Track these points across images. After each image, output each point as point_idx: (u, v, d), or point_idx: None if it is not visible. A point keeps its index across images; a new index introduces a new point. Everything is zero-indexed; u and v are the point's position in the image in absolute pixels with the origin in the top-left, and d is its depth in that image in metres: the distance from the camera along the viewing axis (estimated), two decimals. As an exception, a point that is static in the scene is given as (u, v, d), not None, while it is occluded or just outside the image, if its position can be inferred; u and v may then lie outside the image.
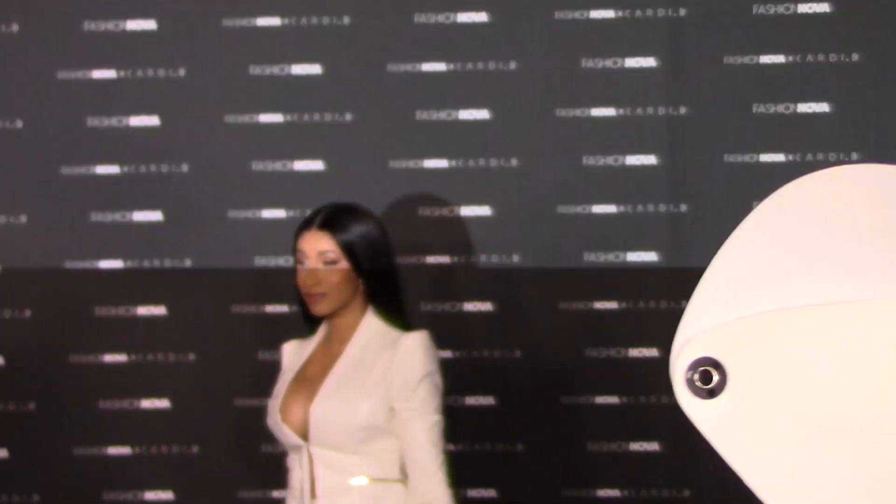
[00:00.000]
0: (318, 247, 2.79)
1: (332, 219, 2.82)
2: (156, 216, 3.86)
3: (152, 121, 3.85)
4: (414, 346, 2.81)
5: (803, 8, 3.77)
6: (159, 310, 3.87)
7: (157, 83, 3.84)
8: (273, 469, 3.27)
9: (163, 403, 3.88)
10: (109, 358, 3.87)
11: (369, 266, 2.81)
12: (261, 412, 3.18)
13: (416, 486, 2.77)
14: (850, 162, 3.78)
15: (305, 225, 2.85)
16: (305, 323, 2.94)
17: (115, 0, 3.84)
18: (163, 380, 3.88)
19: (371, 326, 2.83)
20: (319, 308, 2.79)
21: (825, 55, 3.77)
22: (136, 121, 3.85)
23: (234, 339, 3.84)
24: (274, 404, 2.82)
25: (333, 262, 2.78)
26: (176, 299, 3.86)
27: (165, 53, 3.83)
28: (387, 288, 2.88)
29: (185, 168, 3.85)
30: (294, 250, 2.88)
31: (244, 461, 3.79)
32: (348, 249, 2.78)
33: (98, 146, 3.84)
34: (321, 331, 2.90)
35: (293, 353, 2.91)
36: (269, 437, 3.04)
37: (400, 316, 2.89)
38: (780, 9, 3.77)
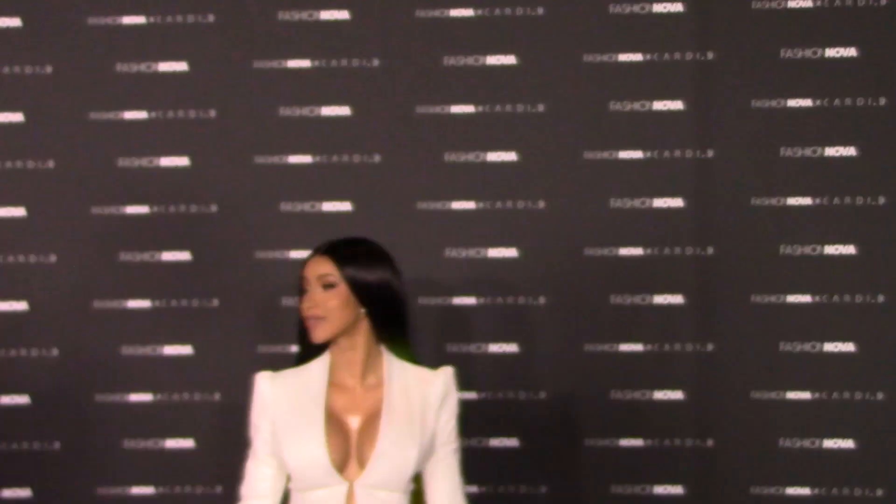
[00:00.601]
0: (318, 271, 2.79)
1: (336, 246, 2.83)
2: (184, 256, 3.89)
3: (182, 161, 3.90)
4: (451, 384, 2.86)
5: (830, 52, 3.81)
6: (186, 349, 3.89)
7: (188, 124, 3.90)
8: None
9: (188, 443, 3.90)
10: (135, 398, 3.89)
11: (372, 295, 2.81)
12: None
13: None
14: (877, 205, 3.80)
15: (311, 254, 2.84)
16: (301, 353, 2.90)
17: (148, 42, 3.89)
18: (188, 420, 3.89)
19: (393, 364, 2.84)
20: (318, 333, 2.77)
21: (852, 99, 3.81)
22: (167, 161, 3.90)
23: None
24: (313, 448, 2.74)
25: (332, 286, 2.79)
26: (203, 339, 3.88)
27: (196, 95, 3.89)
28: (394, 320, 2.87)
29: (213, 208, 3.89)
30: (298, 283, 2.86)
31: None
32: (347, 274, 2.79)
33: (128, 186, 3.90)
34: (321, 367, 2.86)
35: (288, 387, 2.82)
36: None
37: (408, 350, 2.90)
38: (808, 53, 3.81)
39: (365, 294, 2.81)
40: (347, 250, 2.82)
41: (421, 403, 2.81)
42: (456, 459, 2.88)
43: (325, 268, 2.79)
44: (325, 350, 2.86)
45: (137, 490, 3.90)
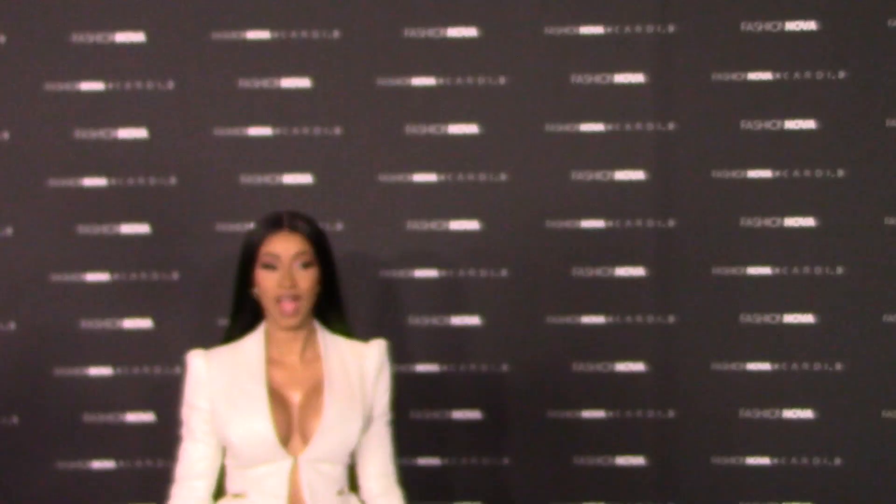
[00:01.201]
0: (294, 249, 2.75)
1: (301, 223, 2.79)
2: (143, 229, 3.87)
3: (140, 133, 3.87)
4: (385, 356, 2.87)
5: (790, 26, 3.83)
6: (145, 322, 3.87)
7: (146, 96, 3.86)
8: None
9: (148, 417, 3.89)
10: (94, 371, 3.87)
11: (330, 272, 2.82)
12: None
13: (380, 485, 2.86)
14: (837, 178, 3.84)
15: (270, 229, 2.78)
16: (235, 330, 2.87)
17: (104, 12, 3.85)
18: (148, 394, 3.89)
19: (327, 338, 2.84)
20: (295, 312, 2.74)
21: (812, 72, 3.83)
22: (125, 133, 3.87)
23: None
24: (258, 423, 2.72)
25: (308, 266, 2.78)
26: (163, 312, 3.86)
27: (154, 66, 3.86)
28: (338, 294, 2.87)
29: (173, 181, 3.87)
30: (256, 255, 2.78)
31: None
32: (321, 253, 2.78)
33: (85, 158, 3.86)
34: (256, 342, 2.84)
35: (224, 365, 2.80)
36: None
37: (346, 323, 2.90)
38: (768, 26, 3.83)
39: (328, 272, 2.81)
40: (311, 227, 2.81)
41: (359, 376, 2.82)
42: (388, 431, 2.90)
43: (300, 245, 2.76)
44: (257, 325, 2.85)
45: (98, 464, 3.90)
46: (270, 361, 2.80)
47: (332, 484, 2.77)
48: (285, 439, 2.74)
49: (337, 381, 2.79)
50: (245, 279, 2.81)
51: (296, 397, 2.78)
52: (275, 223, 2.79)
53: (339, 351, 2.84)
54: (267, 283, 2.76)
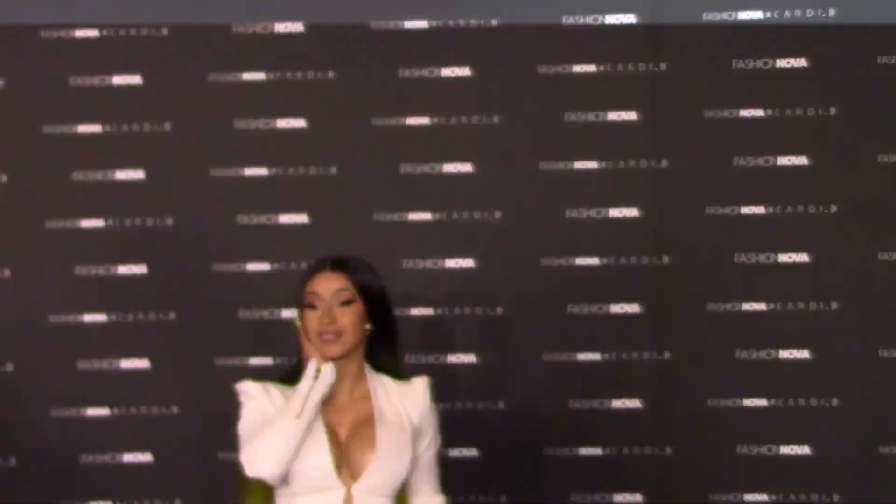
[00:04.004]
0: (334, 286, 2.84)
1: (345, 261, 2.90)
2: (141, 269, 3.94)
3: (137, 175, 3.94)
4: (428, 392, 2.95)
5: (781, 63, 3.90)
6: (143, 363, 3.93)
7: (143, 137, 3.95)
8: None
9: (146, 457, 3.94)
10: (92, 412, 3.93)
11: (379, 309, 2.91)
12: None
13: None
14: (830, 213, 3.89)
15: (315, 269, 2.88)
16: (294, 368, 2.93)
17: (102, 56, 3.94)
18: (145, 434, 3.95)
19: (374, 376, 2.94)
20: (335, 349, 2.83)
21: (803, 109, 3.90)
22: (122, 175, 3.94)
23: (217, 392, 3.90)
24: (316, 452, 2.80)
25: (348, 302, 2.87)
26: (160, 352, 3.92)
27: (151, 108, 3.94)
28: (393, 333, 2.97)
29: (169, 221, 3.94)
30: (302, 298, 2.86)
31: None
32: (363, 289, 2.87)
33: (83, 200, 3.94)
34: (322, 375, 2.93)
35: (280, 397, 2.86)
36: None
37: (397, 364, 2.99)
38: (759, 64, 3.90)
39: (376, 308, 2.89)
40: (354, 265, 2.89)
41: (406, 413, 2.91)
42: (435, 461, 2.98)
43: (340, 283, 2.85)
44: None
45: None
46: (334, 402, 2.90)
47: None
48: (337, 470, 2.83)
49: (387, 417, 2.89)
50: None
51: (342, 433, 2.88)
52: (318, 266, 2.90)
53: (386, 388, 2.93)
54: (310, 322, 2.85)
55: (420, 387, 2.97)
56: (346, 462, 2.86)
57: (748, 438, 3.93)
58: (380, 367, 2.97)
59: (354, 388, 2.93)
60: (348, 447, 2.87)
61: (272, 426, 2.79)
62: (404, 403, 2.94)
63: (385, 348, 2.96)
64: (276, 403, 2.86)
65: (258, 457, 2.80)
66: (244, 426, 2.87)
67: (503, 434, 3.95)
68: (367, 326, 2.90)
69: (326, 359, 2.87)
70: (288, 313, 3.87)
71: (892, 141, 3.90)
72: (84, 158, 3.94)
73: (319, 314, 2.85)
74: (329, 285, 2.86)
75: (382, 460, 2.85)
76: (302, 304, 2.89)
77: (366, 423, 2.89)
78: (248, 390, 2.90)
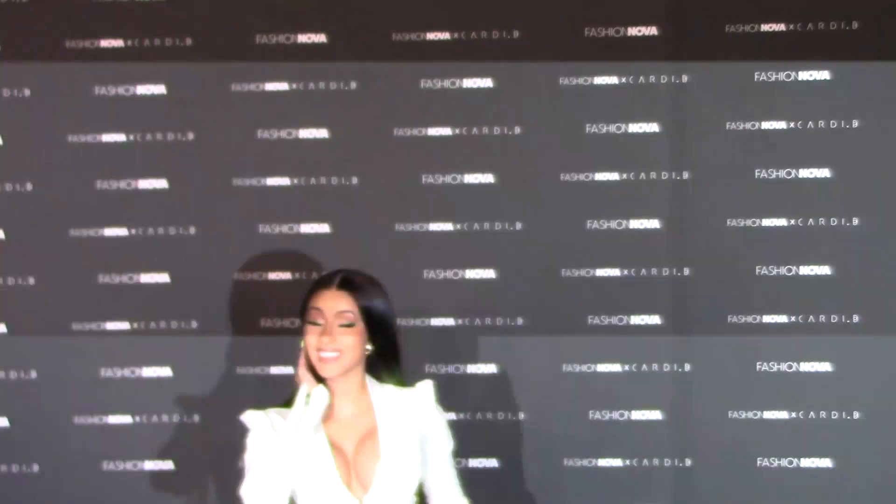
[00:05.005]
0: (338, 306, 2.88)
1: (352, 282, 2.93)
2: (163, 278, 3.97)
3: (161, 184, 3.97)
4: (432, 396, 2.97)
5: (804, 75, 3.90)
6: (165, 371, 3.96)
7: (166, 147, 3.98)
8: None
9: (167, 465, 3.98)
10: (114, 419, 3.97)
11: (380, 333, 2.93)
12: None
13: None
14: (852, 226, 3.89)
15: (322, 285, 2.93)
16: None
17: (126, 65, 3.98)
18: (167, 442, 3.99)
19: (376, 387, 2.96)
20: (330, 369, 2.88)
21: (826, 121, 3.90)
22: (145, 184, 3.98)
23: (238, 401, 3.93)
24: (323, 470, 2.85)
25: (350, 325, 2.89)
26: (182, 361, 3.96)
27: (174, 117, 3.98)
28: (393, 354, 3.00)
29: (192, 230, 3.97)
30: (305, 310, 2.92)
31: None
32: (366, 313, 2.90)
33: (107, 208, 3.98)
34: (312, 399, 2.95)
35: (281, 422, 2.90)
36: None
37: (399, 378, 3.01)
38: (781, 76, 3.91)
39: (377, 331, 2.92)
40: (362, 285, 2.92)
41: (410, 420, 2.94)
42: (451, 466, 3.03)
43: (344, 304, 2.89)
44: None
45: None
46: (329, 416, 2.93)
47: None
48: (346, 485, 2.86)
49: (391, 427, 2.92)
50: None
51: (349, 447, 2.93)
52: (324, 282, 2.94)
53: (389, 398, 2.96)
54: (309, 336, 2.90)
55: (424, 392, 3.00)
56: (356, 475, 2.89)
57: (769, 451, 3.93)
58: (381, 380, 3.01)
59: (357, 402, 2.96)
60: (356, 461, 2.90)
61: (267, 460, 2.83)
62: (409, 410, 2.96)
63: (385, 367, 3.00)
64: (279, 429, 2.89)
65: (254, 492, 2.84)
66: (245, 460, 2.91)
67: (523, 445, 3.97)
68: (368, 347, 2.94)
69: (320, 379, 2.90)
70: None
71: (914, 153, 3.91)
72: (108, 167, 3.98)
73: (320, 332, 2.88)
74: (333, 304, 2.89)
75: (389, 469, 2.89)
76: (304, 316, 2.92)
77: (370, 436, 2.93)
78: (250, 421, 2.93)
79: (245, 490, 2.87)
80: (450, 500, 3.02)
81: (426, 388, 3.02)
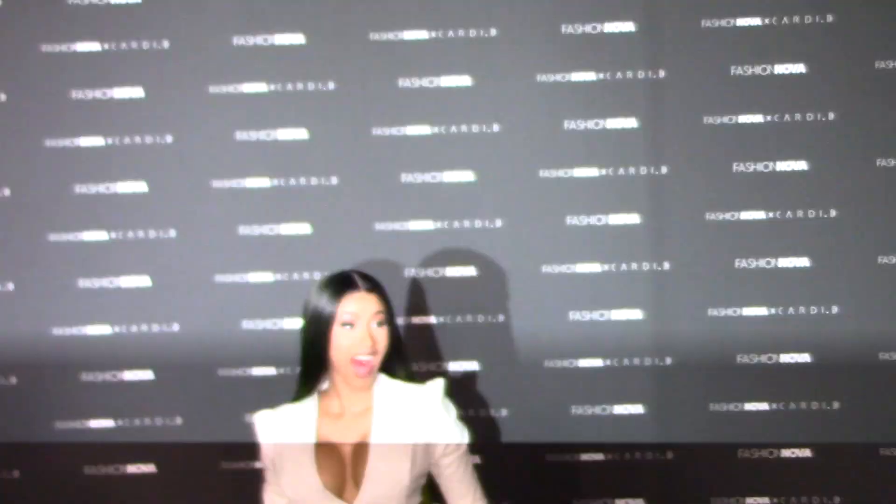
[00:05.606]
0: (373, 307, 2.90)
1: (374, 282, 2.95)
2: (144, 281, 3.96)
3: (140, 187, 3.97)
4: (441, 394, 2.97)
5: (779, 69, 3.93)
6: (146, 374, 3.96)
7: (145, 149, 3.98)
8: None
9: (149, 468, 3.97)
10: (95, 424, 3.97)
11: (394, 329, 2.96)
12: (249, 482, 3.28)
13: None
14: (829, 217, 3.92)
15: (348, 287, 2.91)
16: (304, 388, 3.00)
17: (102, 69, 3.97)
18: (149, 446, 3.99)
19: (383, 384, 2.96)
20: (368, 375, 2.91)
21: (802, 114, 3.93)
22: (124, 187, 3.97)
23: (221, 402, 3.94)
24: (305, 474, 2.87)
25: (384, 324, 2.92)
26: (164, 364, 3.96)
27: (152, 120, 3.98)
28: (401, 344, 3.01)
29: (172, 233, 3.97)
30: (333, 313, 2.89)
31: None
32: (391, 312, 2.92)
33: (85, 212, 3.98)
34: (312, 398, 2.99)
35: (282, 422, 2.95)
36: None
37: (408, 372, 3.03)
38: (757, 70, 3.93)
39: (394, 328, 2.94)
40: (381, 285, 2.94)
41: (411, 420, 2.93)
42: (466, 461, 3.02)
43: (378, 305, 2.91)
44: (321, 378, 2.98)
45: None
46: (328, 415, 2.94)
47: None
48: (338, 488, 2.87)
49: (387, 425, 2.92)
50: (321, 342, 2.92)
51: (346, 449, 2.93)
52: (349, 284, 2.92)
53: (395, 395, 2.96)
54: (343, 340, 2.89)
55: (432, 392, 3.00)
56: (353, 477, 2.89)
57: (749, 442, 3.96)
58: (394, 376, 3.01)
59: (358, 402, 2.96)
60: (353, 463, 2.90)
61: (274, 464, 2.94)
62: (411, 410, 2.97)
63: (399, 363, 3.01)
64: (289, 430, 2.93)
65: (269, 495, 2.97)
66: (262, 463, 2.98)
67: (506, 441, 3.99)
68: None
69: (356, 387, 2.92)
70: (291, 323, 3.91)
71: (890, 145, 3.93)
72: (86, 171, 3.97)
73: (359, 336, 2.89)
74: (367, 306, 2.90)
75: (375, 471, 2.88)
76: (329, 321, 2.91)
77: (366, 437, 2.93)
78: (258, 424, 2.97)
79: (265, 493, 2.98)
80: (465, 502, 3.03)
81: (435, 387, 3.01)
